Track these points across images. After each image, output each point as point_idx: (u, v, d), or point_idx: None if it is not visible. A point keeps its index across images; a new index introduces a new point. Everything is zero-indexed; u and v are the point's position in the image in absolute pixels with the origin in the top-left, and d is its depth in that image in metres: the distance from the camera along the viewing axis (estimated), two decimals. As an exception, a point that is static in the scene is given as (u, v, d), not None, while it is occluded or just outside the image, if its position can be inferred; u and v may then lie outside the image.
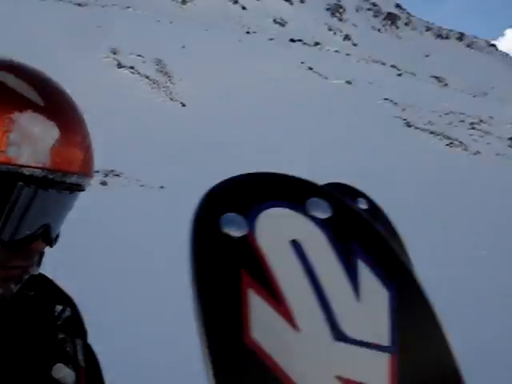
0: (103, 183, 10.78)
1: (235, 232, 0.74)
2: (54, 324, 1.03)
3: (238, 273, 0.72)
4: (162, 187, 10.40)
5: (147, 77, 16.69)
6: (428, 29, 48.59)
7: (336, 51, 21.44)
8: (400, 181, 11.49)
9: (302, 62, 19.08)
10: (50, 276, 1.05)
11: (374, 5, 48.01)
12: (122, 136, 12.32)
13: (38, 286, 1.03)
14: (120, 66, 16.78)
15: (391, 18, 50.16)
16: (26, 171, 0.84)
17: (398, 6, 51.81)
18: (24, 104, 0.85)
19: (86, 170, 0.92)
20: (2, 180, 0.84)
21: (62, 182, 0.88)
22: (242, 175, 0.79)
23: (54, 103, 0.89)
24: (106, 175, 11.16)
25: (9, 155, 0.83)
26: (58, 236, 0.95)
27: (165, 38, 17.89)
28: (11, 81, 0.87)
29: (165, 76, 17.00)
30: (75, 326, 1.07)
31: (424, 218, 9.85)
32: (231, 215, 0.74)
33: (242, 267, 0.73)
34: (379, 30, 41.75)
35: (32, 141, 0.84)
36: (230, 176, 0.79)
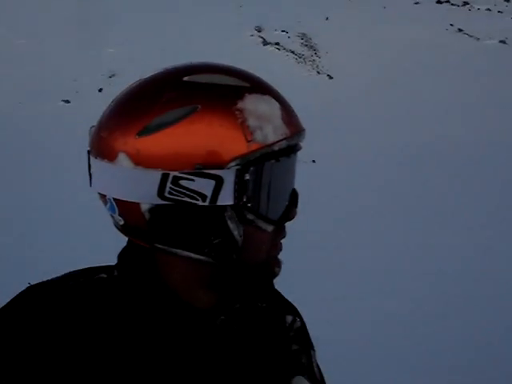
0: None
1: None
2: (287, 335, 1.03)
3: None
4: (313, 161, 10.51)
5: (293, 52, 16.80)
6: None
7: (487, 9, 20.28)
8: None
9: (451, 25, 18.26)
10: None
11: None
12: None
13: (268, 297, 1.05)
14: (265, 43, 17.02)
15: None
16: (276, 147, 0.88)
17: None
18: (239, 91, 0.89)
19: (303, 126, 0.96)
20: (260, 165, 0.87)
21: (296, 144, 0.93)
22: None
23: (254, 81, 0.93)
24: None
25: (258, 140, 0.87)
26: None
27: (308, 10, 17.85)
28: (210, 79, 0.90)
29: (310, 50, 17.01)
30: (306, 336, 1.07)
31: None
32: None
33: None
34: (534, -18, 38.86)
35: (267, 119, 0.88)
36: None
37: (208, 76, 0.91)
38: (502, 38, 17.83)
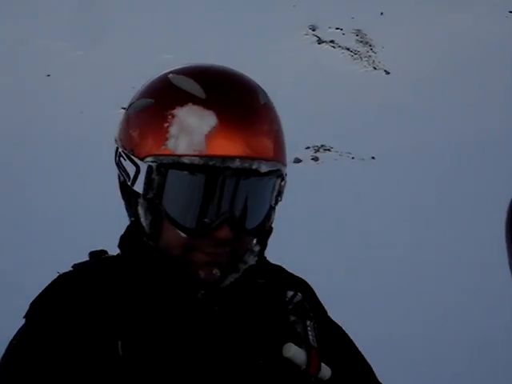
0: (314, 158, 11.05)
1: None
2: (285, 308, 1.10)
3: None
4: (373, 158, 10.42)
5: (348, 48, 16.69)
6: None
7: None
8: None
9: (510, 12, 17.80)
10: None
11: None
12: (329, 110, 12.49)
13: (270, 275, 1.12)
14: (320, 41, 16.96)
15: None
16: (186, 160, 0.92)
17: None
18: (186, 99, 0.94)
19: (253, 154, 0.93)
20: (166, 170, 0.94)
21: (225, 167, 0.92)
22: None
23: (214, 95, 0.95)
24: (317, 150, 11.42)
25: (169, 147, 0.93)
26: (263, 227, 1.01)
27: (361, 6, 17.70)
28: (180, 81, 0.97)
29: (365, 46, 16.88)
30: (306, 309, 1.13)
31: None
32: None
33: None
34: None
35: (188, 131, 0.92)
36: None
37: (182, 78, 0.99)
38: None
